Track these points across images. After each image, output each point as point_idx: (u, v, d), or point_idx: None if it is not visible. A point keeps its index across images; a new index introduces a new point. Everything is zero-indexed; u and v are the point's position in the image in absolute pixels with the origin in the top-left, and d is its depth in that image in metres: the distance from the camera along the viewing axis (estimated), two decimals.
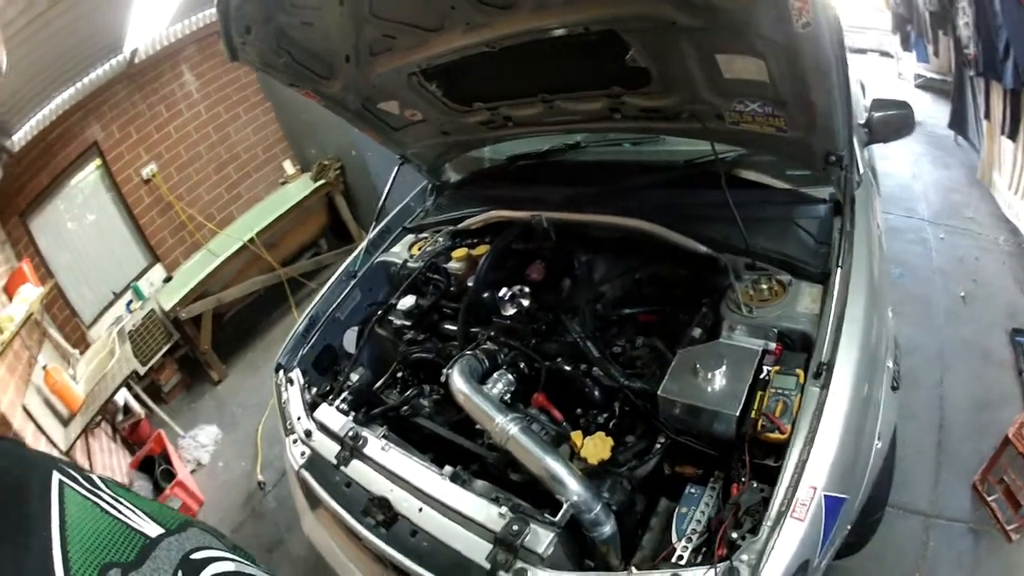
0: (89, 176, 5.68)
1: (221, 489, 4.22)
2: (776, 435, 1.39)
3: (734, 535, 1.29)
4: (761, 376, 1.55)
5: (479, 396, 1.82)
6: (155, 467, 4.22)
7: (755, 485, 1.38)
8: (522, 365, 2.07)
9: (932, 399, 2.59)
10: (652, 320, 2.09)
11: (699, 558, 1.36)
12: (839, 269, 1.62)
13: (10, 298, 4.15)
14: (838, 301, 1.55)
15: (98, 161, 5.62)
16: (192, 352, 5.64)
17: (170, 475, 4.11)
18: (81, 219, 5.71)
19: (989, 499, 2.26)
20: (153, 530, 0.67)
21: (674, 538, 1.44)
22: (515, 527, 1.47)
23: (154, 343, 5.29)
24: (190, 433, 4.78)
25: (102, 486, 0.71)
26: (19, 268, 4.48)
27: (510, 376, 2.00)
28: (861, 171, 1.68)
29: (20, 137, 4.90)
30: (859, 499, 1.45)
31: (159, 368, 5.49)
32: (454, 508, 1.62)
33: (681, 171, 2.26)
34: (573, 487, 1.52)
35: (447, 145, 2.86)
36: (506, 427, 1.67)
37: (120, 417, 4.91)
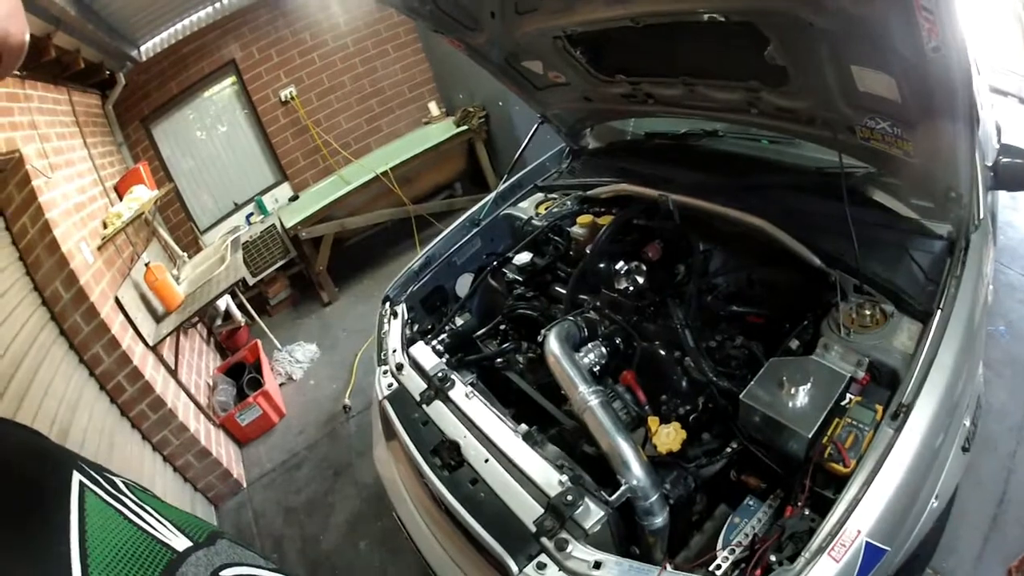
0: (224, 91, 6.14)
1: (306, 406, 4.52)
2: (839, 467, 1.41)
3: (772, 558, 1.32)
4: (842, 403, 1.55)
5: (569, 362, 1.93)
6: (243, 374, 4.56)
7: (807, 513, 1.40)
8: (618, 340, 2.18)
9: (1002, 470, 2.49)
10: (759, 322, 2.12)
11: (735, 571, 1.39)
12: (939, 311, 1.59)
13: (120, 196, 4.51)
14: (931, 345, 1.53)
15: (234, 78, 6.05)
16: (306, 271, 6.03)
17: (257, 384, 4.46)
18: (211, 130, 6.18)
19: None
20: (180, 543, 0.64)
21: (719, 545, 1.48)
22: (569, 497, 1.53)
23: (269, 257, 5.75)
24: (288, 348, 5.12)
25: (125, 490, 0.69)
26: (134, 169, 4.86)
27: (603, 349, 2.12)
28: (982, 215, 1.64)
29: (148, 48, 5.36)
30: (901, 555, 1.42)
31: (269, 282, 5.94)
32: (519, 466, 1.71)
33: (812, 178, 2.26)
34: (636, 471, 1.61)
35: (588, 111, 2.95)
36: (587, 398, 1.78)
37: (219, 322, 5.33)
